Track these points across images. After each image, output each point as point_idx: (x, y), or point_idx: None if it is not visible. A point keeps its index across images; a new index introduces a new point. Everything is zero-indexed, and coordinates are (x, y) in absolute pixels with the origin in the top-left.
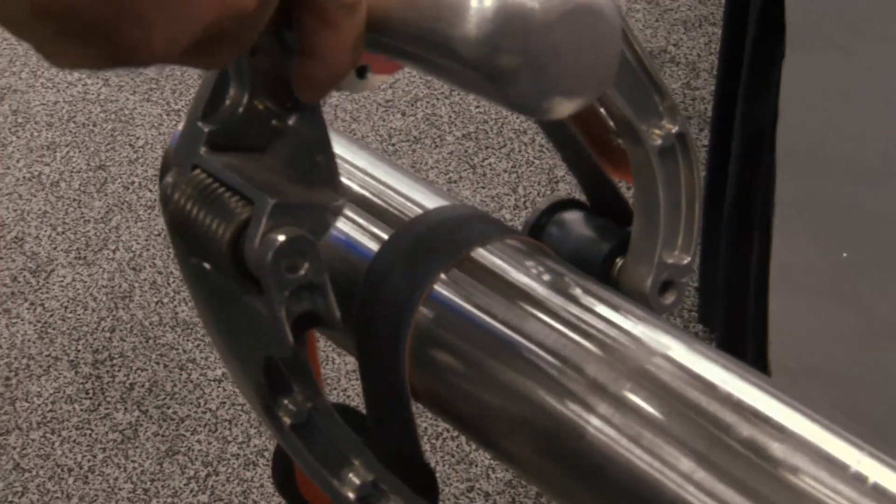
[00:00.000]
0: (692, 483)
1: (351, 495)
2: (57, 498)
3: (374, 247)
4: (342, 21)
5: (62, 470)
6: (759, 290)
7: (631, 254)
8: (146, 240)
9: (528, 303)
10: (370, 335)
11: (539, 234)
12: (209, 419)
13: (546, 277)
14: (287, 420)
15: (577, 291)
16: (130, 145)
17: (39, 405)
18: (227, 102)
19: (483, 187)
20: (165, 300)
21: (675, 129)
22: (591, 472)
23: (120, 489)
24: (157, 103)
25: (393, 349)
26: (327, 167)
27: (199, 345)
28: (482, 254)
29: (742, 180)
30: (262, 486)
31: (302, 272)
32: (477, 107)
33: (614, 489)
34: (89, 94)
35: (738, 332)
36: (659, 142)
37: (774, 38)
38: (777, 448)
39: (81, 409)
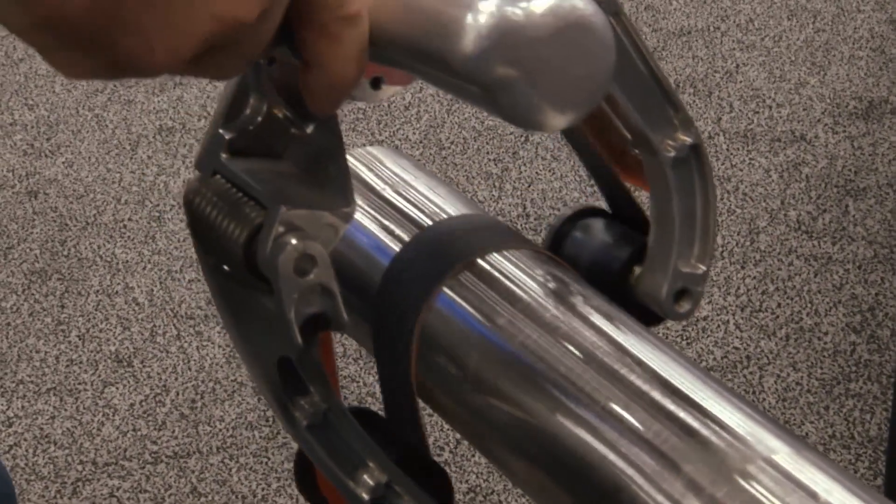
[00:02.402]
0: None
1: (365, 496)
2: None
3: (396, 248)
4: (343, 33)
5: (236, 497)
6: None
7: (647, 262)
8: None
9: (534, 313)
10: (383, 335)
11: (562, 241)
12: None
13: (553, 287)
14: (303, 420)
15: (579, 301)
16: None
17: (221, 430)
18: (248, 111)
19: None
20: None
21: (689, 141)
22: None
23: None
24: (361, 133)
25: (401, 349)
26: (340, 175)
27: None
28: (496, 261)
29: None
30: None
31: (311, 275)
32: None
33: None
34: None
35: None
36: (673, 153)
37: None
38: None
39: (261, 437)
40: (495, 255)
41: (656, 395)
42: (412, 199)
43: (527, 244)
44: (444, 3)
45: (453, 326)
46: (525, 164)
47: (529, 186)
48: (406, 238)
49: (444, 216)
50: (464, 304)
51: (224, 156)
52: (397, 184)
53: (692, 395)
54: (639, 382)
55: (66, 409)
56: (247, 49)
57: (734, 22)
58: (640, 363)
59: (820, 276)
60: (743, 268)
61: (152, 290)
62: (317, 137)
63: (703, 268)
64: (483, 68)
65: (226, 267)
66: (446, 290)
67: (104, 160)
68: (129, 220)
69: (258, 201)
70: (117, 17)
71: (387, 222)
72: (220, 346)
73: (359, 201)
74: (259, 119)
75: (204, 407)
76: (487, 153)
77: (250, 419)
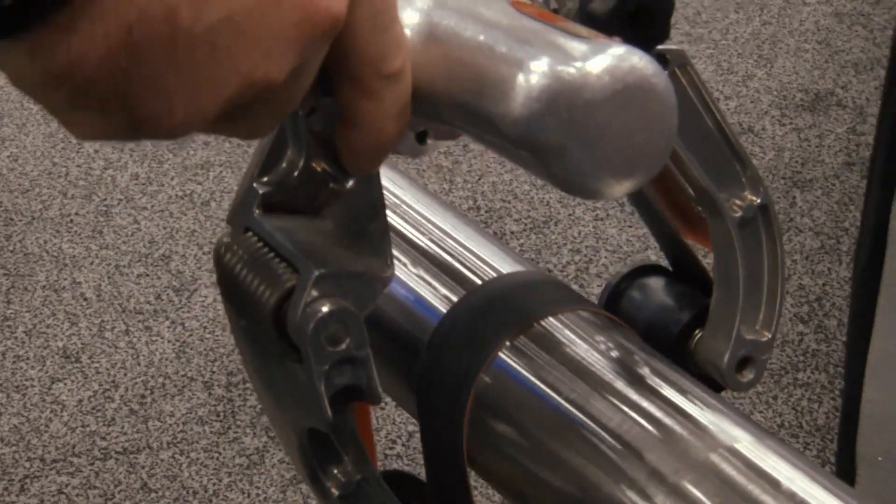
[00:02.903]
0: None
1: None
2: None
3: (443, 308)
4: (383, 91)
5: (188, 492)
6: (854, 376)
7: (709, 326)
8: None
9: (594, 381)
10: (431, 400)
11: (619, 300)
12: None
13: (615, 355)
14: (335, 490)
15: (646, 372)
16: None
17: (171, 425)
18: (284, 164)
19: (628, 226)
20: None
21: (757, 201)
22: None
23: None
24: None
25: (452, 416)
26: (379, 235)
27: None
28: (552, 324)
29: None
30: None
31: (343, 346)
32: None
33: None
34: None
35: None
36: (739, 213)
37: None
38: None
39: (211, 432)
40: (550, 319)
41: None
42: (457, 255)
43: (585, 304)
44: (493, 60)
45: (510, 393)
46: (475, 157)
47: (480, 179)
48: (453, 297)
49: (493, 274)
50: (521, 370)
51: (257, 211)
52: (440, 236)
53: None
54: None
55: (12, 406)
56: (277, 108)
57: (682, 14)
58: (731, 451)
59: None
60: None
61: (100, 286)
62: (357, 194)
63: (769, 335)
64: (534, 133)
65: (255, 329)
66: (501, 354)
67: (50, 154)
68: (76, 214)
69: (291, 263)
70: (136, 74)
71: (431, 280)
72: (169, 342)
73: (396, 253)
74: (296, 173)
75: (153, 402)
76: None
77: (200, 414)
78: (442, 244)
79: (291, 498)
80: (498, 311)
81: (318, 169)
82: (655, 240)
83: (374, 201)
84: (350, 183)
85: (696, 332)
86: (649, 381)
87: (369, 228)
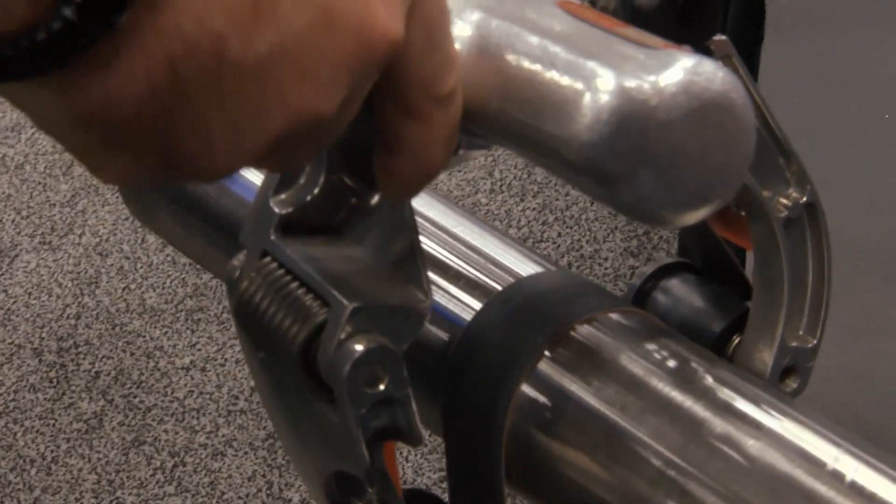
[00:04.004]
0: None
1: None
2: (19, 490)
3: (464, 317)
4: (433, 115)
5: (24, 461)
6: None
7: (749, 332)
8: (113, 224)
9: (647, 390)
10: (463, 414)
11: (643, 301)
12: (176, 408)
13: (671, 363)
14: None
15: (707, 379)
16: None
17: (2, 394)
18: (302, 179)
19: (458, 171)
20: (133, 286)
21: (803, 199)
22: None
23: (84, 480)
24: None
25: (489, 430)
26: (412, 258)
27: (166, 332)
28: (590, 329)
29: None
30: (229, 476)
31: (382, 386)
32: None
33: None
34: None
35: None
36: (784, 213)
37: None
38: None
39: (45, 399)
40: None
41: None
42: (467, 258)
43: (617, 302)
44: (555, 77)
45: (554, 409)
46: None
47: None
48: (475, 304)
49: (511, 278)
50: (564, 381)
51: (275, 234)
52: (446, 239)
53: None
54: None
55: None
56: (322, 141)
57: None
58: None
59: (595, 204)
60: (522, 200)
61: None
62: (383, 210)
63: (815, 341)
64: (602, 159)
65: (276, 363)
66: (539, 366)
67: None
68: None
69: (318, 294)
70: (177, 114)
71: (446, 285)
72: None
73: None
74: (316, 190)
75: None
76: None
77: (32, 381)
78: (448, 246)
79: (134, 460)
80: (531, 317)
81: (339, 183)
82: (686, 239)
83: (404, 219)
84: (375, 198)
85: (735, 337)
86: (706, 388)
87: (400, 250)
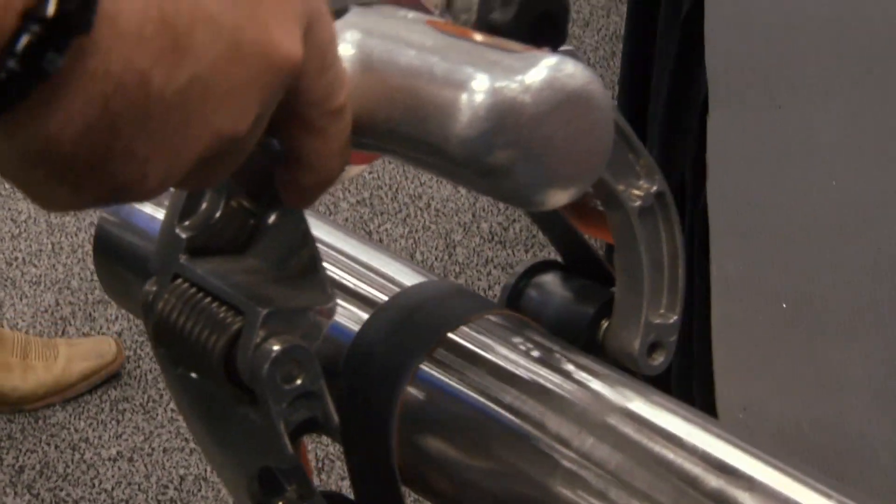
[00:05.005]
0: None
1: None
2: None
3: (353, 327)
4: (329, 128)
5: None
6: (702, 342)
7: (616, 316)
8: (32, 317)
9: (519, 381)
10: (355, 420)
11: (518, 300)
12: (104, 500)
13: (535, 354)
14: None
15: (569, 367)
16: (12, 220)
17: None
18: (204, 205)
19: None
20: None
21: (653, 189)
22: None
23: None
24: None
25: (381, 433)
26: (312, 265)
27: (91, 423)
28: (465, 331)
29: None
30: None
31: (298, 381)
32: (370, 172)
33: None
34: None
35: (686, 384)
36: (638, 202)
37: (690, 92)
38: (746, 499)
39: None
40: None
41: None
42: (355, 272)
43: (493, 307)
44: (434, 84)
45: (436, 406)
46: None
47: None
48: (362, 315)
49: (396, 288)
50: (445, 380)
51: (184, 257)
52: (335, 256)
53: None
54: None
55: None
56: (238, 156)
57: None
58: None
59: None
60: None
61: None
62: (281, 227)
63: (675, 317)
64: (482, 153)
65: (197, 376)
66: (422, 367)
67: None
68: None
69: (232, 306)
70: (112, 146)
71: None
72: None
73: None
74: (218, 214)
75: None
76: None
77: None
78: (336, 262)
79: None
80: (413, 325)
81: (238, 207)
82: (546, 236)
83: (301, 232)
84: (271, 218)
85: (604, 322)
86: (571, 375)
87: (301, 260)
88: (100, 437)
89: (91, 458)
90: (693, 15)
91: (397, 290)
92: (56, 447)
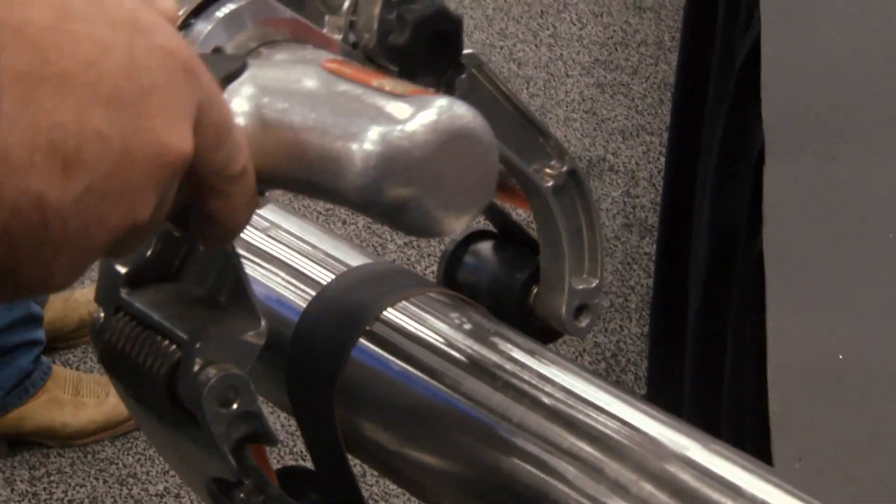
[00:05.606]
0: None
1: None
2: None
3: (301, 305)
4: (231, 189)
5: None
6: (758, 393)
7: (542, 283)
8: (83, 353)
9: (448, 355)
10: (301, 396)
11: (456, 267)
12: None
13: (466, 327)
14: None
15: (493, 338)
16: None
17: None
18: None
19: None
20: None
21: (564, 168)
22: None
23: None
24: None
25: (324, 407)
26: (241, 290)
27: (139, 459)
28: (405, 306)
29: (712, 282)
30: None
31: (235, 405)
32: None
33: None
34: None
35: (738, 433)
36: (551, 182)
37: (744, 141)
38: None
39: None
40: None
41: (578, 413)
42: (306, 254)
43: (431, 286)
44: (326, 138)
45: (374, 379)
46: None
47: None
48: (309, 293)
49: (343, 269)
50: (382, 354)
51: (124, 290)
52: (289, 238)
53: (604, 406)
54: (560, 406)
55: None
56: (146, 235)
57: None
58: (560, 387)
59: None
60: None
61: None
62: (207, 254)
63: (597, 281)
64: (377, 197)
65: (146, 398)
66: (362, 341)
67: None
68: None
69: (170, 337)
70: (17, 259)
71: (287, 279)
72: None
73: (254, 258)
74: (150, 248)
75: None
76: None
77: None
78: (290, 244)
79: None
80: (353, 303)
81: (169, 236)
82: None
83: (228, 257)
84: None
85: (534, 288)
86: (498, 347)
87: (230, 286)
88: (147, 473)
89: (138, 494)
90: (748, 65)
91: (344, 269)
92: (104, 482)
